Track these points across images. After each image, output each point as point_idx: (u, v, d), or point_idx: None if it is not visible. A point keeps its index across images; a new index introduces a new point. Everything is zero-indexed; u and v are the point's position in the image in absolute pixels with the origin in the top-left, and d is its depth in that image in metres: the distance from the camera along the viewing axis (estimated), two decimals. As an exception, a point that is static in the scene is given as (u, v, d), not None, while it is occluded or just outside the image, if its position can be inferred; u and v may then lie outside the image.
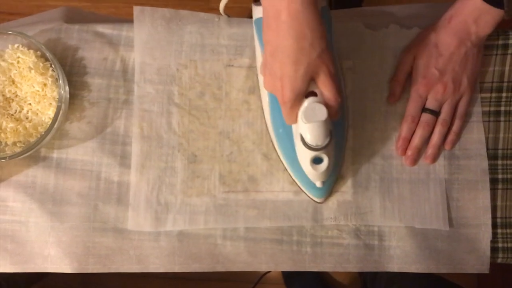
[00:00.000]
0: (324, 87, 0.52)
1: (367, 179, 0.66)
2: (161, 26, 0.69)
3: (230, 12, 0.68)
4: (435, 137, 0.65)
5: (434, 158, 0.65)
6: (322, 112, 0.51)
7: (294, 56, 0.49)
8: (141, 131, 0.67)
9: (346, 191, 0.65)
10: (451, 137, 0.65)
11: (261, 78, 0.64)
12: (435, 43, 0.63)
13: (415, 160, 0.65)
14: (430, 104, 0.65)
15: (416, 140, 0.65)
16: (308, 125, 0.53)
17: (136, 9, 0.69)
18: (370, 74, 0.68)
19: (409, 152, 0.65)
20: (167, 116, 0.67)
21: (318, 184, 0.61)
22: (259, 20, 0.61)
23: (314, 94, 0.52)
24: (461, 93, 0.64)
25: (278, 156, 0.65)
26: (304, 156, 0.58)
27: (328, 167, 0.58)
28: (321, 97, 0.52)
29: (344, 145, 0.66)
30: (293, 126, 0.59)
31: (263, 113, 0.67)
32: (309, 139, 0.54)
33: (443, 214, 0.64)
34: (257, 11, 0.62)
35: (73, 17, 0.73)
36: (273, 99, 0.61)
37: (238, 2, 0.63)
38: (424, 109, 0.65)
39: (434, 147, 0.65)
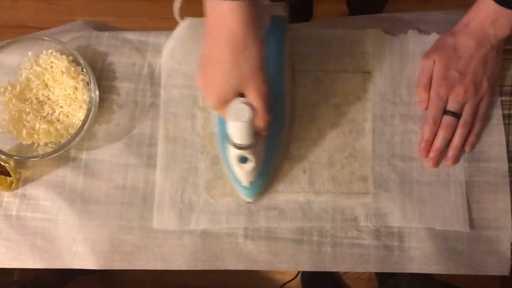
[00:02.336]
0: (253, 100, 0.52)
1: (387, 180, 0.66)
2: (190, 33, 0.72)
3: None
4: (457, 139, 0.65)
5: (456, 160, 0.66)
6: (247, 113, 0.52)
7: (226, 67, 0.51)
8: (167, 133, 0.69)
9: (366, 192, 0.66)
10: (471, 139, 0.66)
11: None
12: (454, 47, 0.64)
13: (437, 162, 0.66)
14: (451, 106, 0.65)
15: (438, 142, 0.66)
16: (233, 124, 0.53)
17: (187, 21, 0.71)
18: (390, 78, 0.69)
19: (431, 154, 0.66)
20: (191, 119, 0.70)
21: (245, 183, 0.62)
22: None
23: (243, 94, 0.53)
24: (481, 94, 0.65)
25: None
26: (231, 154, 0.59)
27: (254, 167, 0.58)
28: (249, 98, 0.53)
29: (280, 148, 0.66)
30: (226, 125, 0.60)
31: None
32: (233, 137, 0.55)
33: (464, 215, 0.65)
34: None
35: (101, 28, 0.76)
36: None
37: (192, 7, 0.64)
38: (445, 111, 0.66)
39: (455, 149, 0.66)
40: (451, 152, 0.66)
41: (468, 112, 0.65)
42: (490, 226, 0.65)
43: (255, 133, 0.55)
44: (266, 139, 0.58)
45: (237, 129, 0.53)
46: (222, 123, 0.59)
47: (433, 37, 0.70)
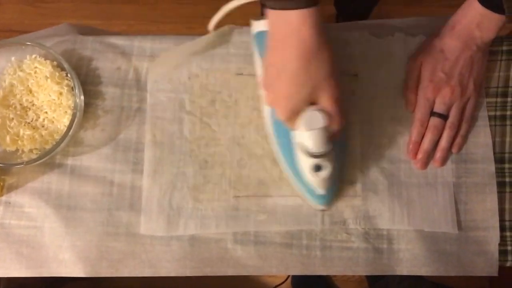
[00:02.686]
0: (328, 109, 0.53)
1: (375, 183, 0.66)
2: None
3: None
4: (444, 141, 0.66)
5: (443, 161, 0.66)
6: (321, 120, 0.52)
7: (298, 79, 0.51)
8: (154, 138, 0.68)
9: (355, 195, 0.66)
10: (458, 140, 0.66)
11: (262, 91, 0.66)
12: (441, 48, 0.65)
13: (425, 164, 0.66)
14: (438, 108, 0.65)
15: (426, 144, 0.66)
16: (308, 133, 0.54)
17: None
18: (377, 80, 0.69)
19: (419, 156, 0.66)
20: (178, 123, 0.69)
21: (320, 191, 0.61)
22: (259, 34, 0.63)
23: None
24: (467, 96, 0.65)
25: (280, 166, 0.67)
26: (305, 164, 0.59)
27: (330, 174, 0.59)
28: (322, 106, 0.53)
29: (345, 152, 0.67)
30: (293, 134, 0.60)
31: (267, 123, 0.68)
32: (309, 146, 0.55)
33: (452, 217, 0.65)
34: (257, 25, 0.64)
35: (87, 32, 0.75)
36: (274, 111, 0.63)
37: (249, 19, 0.65)
38: (432, 113, 0.66)
39: (443, 151, 0.66)
40: (438, 154, 0.66)
41: (454, 114, 0.65)
42: (478, 227, 0.65)
43: (329, 139, 0.55)
44: (336, 143, 0.58)
45: (312, 137, 0.54)
46: (284, 135, 0.60)
47: (420, 39, 0.70)
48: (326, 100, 0.52)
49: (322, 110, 0.52)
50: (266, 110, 0.67)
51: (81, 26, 0.77)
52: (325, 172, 0.58)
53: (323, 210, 0.66)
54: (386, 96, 0.69)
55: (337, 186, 0.65)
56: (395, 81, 0.69)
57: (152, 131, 0.69)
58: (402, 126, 0.68)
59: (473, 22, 0.62)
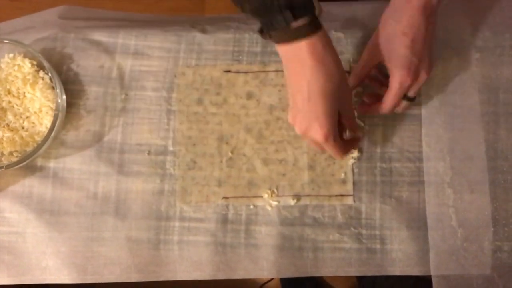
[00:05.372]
0: (347, 120, 0.57)
1: (367, 183, 0.65)
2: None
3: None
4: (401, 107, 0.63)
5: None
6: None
7: (327, 94, 0.52)
8: (142, 139, 0.66)
9: (347, 196, 0.65)
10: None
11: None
12: (403, 31, 0.58)
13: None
14: (412, 92, 0.61)
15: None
16: None
17: None
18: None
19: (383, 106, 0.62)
20: (165, 123, 0.67)
21: None
22: None
23: None
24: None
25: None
26: None
27: None
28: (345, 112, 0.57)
29: None
30: None
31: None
32: None
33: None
34: None
35: (66, 17, 0.72)
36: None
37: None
38: (404, 97, 0.62)
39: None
40: (404, 104, 0.63)
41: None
42: (470, 225, 0.64)
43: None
44: None
45: None
46: None
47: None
48: (346, 111, 0.56)
49: None
50: None
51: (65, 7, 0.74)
52: None
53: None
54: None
55: None
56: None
57: (140, 132, 0.67)
58: (394, 123, 0.67)
59: None
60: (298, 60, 0.52)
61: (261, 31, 0.53)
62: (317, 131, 0.54)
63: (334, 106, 0.53)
